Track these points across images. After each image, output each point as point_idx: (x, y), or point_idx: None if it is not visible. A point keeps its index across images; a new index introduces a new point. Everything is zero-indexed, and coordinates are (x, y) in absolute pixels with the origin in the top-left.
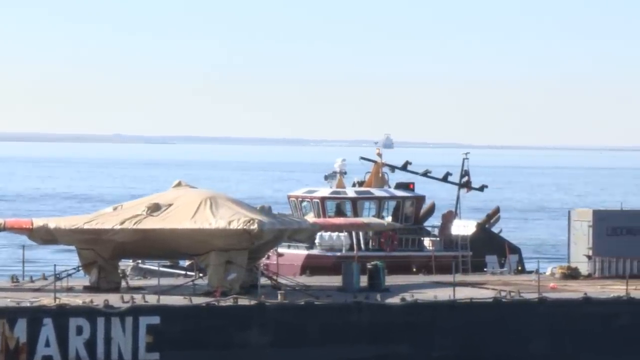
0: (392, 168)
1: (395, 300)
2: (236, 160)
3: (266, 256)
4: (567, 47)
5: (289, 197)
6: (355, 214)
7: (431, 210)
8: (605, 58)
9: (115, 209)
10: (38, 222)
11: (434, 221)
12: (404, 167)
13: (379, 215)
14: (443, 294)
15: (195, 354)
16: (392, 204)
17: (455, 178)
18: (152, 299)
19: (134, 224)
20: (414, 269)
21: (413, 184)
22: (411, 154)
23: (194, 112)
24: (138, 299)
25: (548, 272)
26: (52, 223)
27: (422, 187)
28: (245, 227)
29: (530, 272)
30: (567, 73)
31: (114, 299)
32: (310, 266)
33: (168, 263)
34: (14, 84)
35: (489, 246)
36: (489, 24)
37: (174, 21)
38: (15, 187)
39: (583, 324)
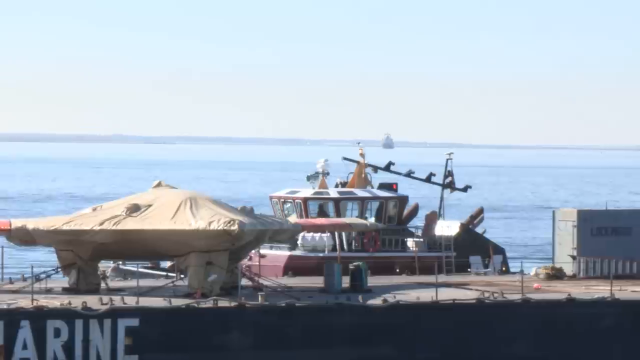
0: (375, 168)
1: (377, 301)
2: (236, 160)
3: (248, 257)
4: (568, 47)
5: (271, 197)
6: (338, 214)
7: (415, 210)
8: (605, 58)
9: (94, 209)
10: (16, 223)
11: (417, 222)
12: (387, 168)
13: (362, 216)
14: (426, 295)
15: (175, 357)
16: (375, 204)
17: (438, 178)
18: (131, 301)
19: (113, 224)
20: (397, 270)
21: (396, 184)
22: (411, 154)
23: (193, 112)
24: (117, 300)
25: (532, 273)
26: (31, 224)
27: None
28: (225, 227)
29: (514, 273)
30: (567, 73)
31: (93, 301)
32: (293, 267)
33: (149, 264)
34: (13, 83)
35: (472, 247)
36: (489, 24)
37: (175, 21)
38: (15, 187)
39: (567, 325)
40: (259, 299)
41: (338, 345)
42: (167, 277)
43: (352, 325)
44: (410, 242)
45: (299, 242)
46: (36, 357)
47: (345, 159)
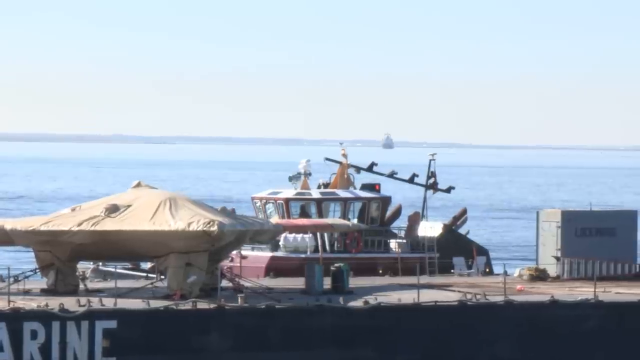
0: (358, 169)
1: (358, 303)
2: (236, 160)
3: (230, 258)
4: (567, 47)
5: (252, 198)
6: (320, 215)
7: (398, 211)
8: (605, 58)
9: (73, 209)
10: None
11: (401, 223)
12: (370, 168)
13: (344, 216)
14: (407, 297)
15: (154, 359)
16: (358, 205)
17: (422, 179)
18: (109, 303)
19: (92, 225)
20: (380, 271)
21: (379, 185)
22: (411, 154)
23: (193, 112)
24: (95, 302)
25: (516, 274)
26: (9, 224)
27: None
28: (205, 228)
29: (498, 274)
30: (567, 73)
31: (70, 303)
32: (275, 268)
33: (129, 265)
34: (13, 83)
35: (456, 248)
36: (489, 24)
37: (174, 21)
38: (15, 187)
39: (550, 327)
40: (239, 300)
41: (319, 348)
42: (147, 278)
43: (332, 327)
44: (393, 243)
45: (281, 242)
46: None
47: (327, 159)
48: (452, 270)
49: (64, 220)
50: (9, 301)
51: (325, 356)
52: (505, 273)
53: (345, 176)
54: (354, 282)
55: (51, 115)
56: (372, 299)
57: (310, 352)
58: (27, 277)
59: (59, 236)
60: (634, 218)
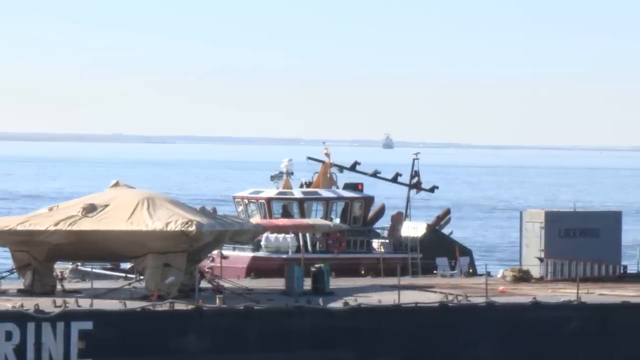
0: (341, 168)
1: (338, 304)
2: (236, 160)
3: (210, 258)
4: (567, 47)
5: (234, 197)
6: (302, 215)
7: (381, 211)
8: (606, 58)
9: (51, 209)
10: None
11: (383, 223)
12: (353, 168)
13: (326, 216)
14: (388, 298)
15: None
16: (341, 205)
17: (405, 179)
18: (85, 303)
19: (69, 225)
20: (362, 272)
21: (362, 184)
22: (410, 154)
23: (194, 111)
24: (71, 303)
25: (499, 275)
26: None
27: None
28: (182, 228)
29: (481, 275)
30: (567, 73)
31: (46, 303)
32: (256, 269)
33: (109, 265)
34: (13, 83)
35: (439, 248)
36: (490, 24)
37: (175, 21)
38: (15, 187)
39: (532, 329)
40: (217, 301)
41: (298, 349)
42: (126, 278)
43: (312, 328)
44: (375, 244)
45: (262, 243)
46: None
47: (310, 158)
48: (434, 271)
49: (40, 220)
50: None
51: (305, 358)
52: (489, 274)
53: (328, 175)
54: (336, 282)
55: (51, 115)
56: (352, 300)
57: (289, 353)
58: (3, 277)
59: (36, 236)
60: (618, 219)
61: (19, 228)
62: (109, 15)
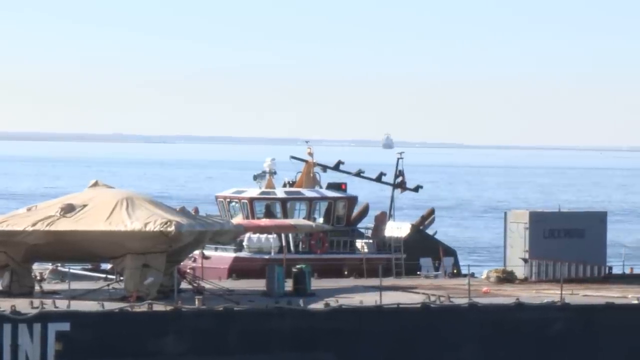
0: (324, 168)
1: (319, 305)
2: (236, 160)
3: (192, 259)
4: (568, 47)
5: (216, 197)
6: (285, 215)
7: (365, 211)
8: (605, 58)
9: (29, 209)
10: None
11: (367, 222)
12: (337, 167)
13: (310, 216)
14: (370, 299)
15: None
16: (324, 204)
17: (389, 178)
18: (62, 304)
19: (47, 225)
20: (346, 272)
21: (345, 184)
22: (411, 154)
23: (194, 111)
24: (48, 304)
25: (483, 276)
26: None
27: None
28: (162, 229)
29: (465, 276)
30: (567, 73)
31: (24, 304)
32: (238, 269)
33: (89, 266)
34: (14, 83)
35: (423, 248)
36: (490, 24)
37: (174, 20)
38: (16, 186)
39: (515, 331)
40: (196, 302)
41: (278, 351)
42: (106, 279)
43: (292, 330)
44: (359, 244)
45: (244, 243)
46: None
47: (293, 157)
48: (418, 272)
49: (18, 220)
50: None
51: (285, 359)
52: (472, 275)
53: (311, 175)
54: (318, 283)
55: (51, 115)
56: (333, 301)
57: (269, 355)
58: None
59: (13, 236)
60: (604, 219)
61: None
62: (109, 15)
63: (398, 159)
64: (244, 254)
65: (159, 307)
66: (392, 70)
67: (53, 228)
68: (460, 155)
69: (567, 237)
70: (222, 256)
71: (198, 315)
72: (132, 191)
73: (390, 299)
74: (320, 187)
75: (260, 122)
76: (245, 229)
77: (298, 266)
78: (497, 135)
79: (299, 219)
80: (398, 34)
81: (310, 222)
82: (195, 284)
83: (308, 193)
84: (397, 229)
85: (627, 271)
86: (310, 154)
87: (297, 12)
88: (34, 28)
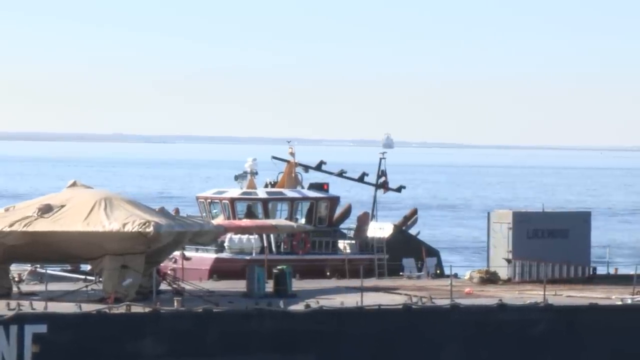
0: (306, 168)
1: (299, 306)
2: (237, 160)
3: (173, 260)
4: (567, 47)
5: (197, 198)
6: (267, 215)
7: (347, 211)
8: (606, 58)
9: (7, 210)
10: None
11: (350, 223)
12: (319, 167)
13: (291, 217)
14: (351, 300)
15: None
16: (306, 205)
17: (372, 178)
18: (40, 306)
19: (24, 226)
20: (328, 273)
21: (327, 184)
22: (412, 153)
23: (194, 111)
24: (25, 305)
25: (467, 276)
26: None
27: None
28: (140, 229)
29: (448, 276)
30: (567, 73)
31: (0, 306)
32: (219, 270)
33: (69, 267)
34: (14, 83)
35: (406, 249)
36: (490, 24)
37: (174, 20)
38: (15, 186)
39: (497, 332)
40: (175, 304)
41: (258, 353)
42: (85, 280)
43: (272, 331)
44: (341, 244)
45: (226, 244)
46: None
47: (274, 158)
48: (401, 273)
49: None
50: None
51: None
52: (455, 275)
53: (293, 175)
54: (299, 284)
55: (51, 115)
56: (314, 303)
57: (249, 357)
58: None
59: None
60: (588, 219)
61: None
62: (109, 15)
63: (380, 159)
64: (225, 254)
65: (137, 308)
66: (392, 70)
67: (30, 229)
68: (460, 155)
69: (551, 238)
70: (203, 257)
71: (177, 317)
72: (110, 191)
73: (372, 300)
74: (302, 188)
75: (260, 122)
76: (226, 229)
77: (279, 267)
78: (497, 135)
79: (280, 220)
80: (398, 34)
81: (291, 223)
82: (175, 285)
83: (290, 193)
84: (380, 229)
85: (612, 271)
86: (292, 154)
87: (297, 12)
88: (34, 28)
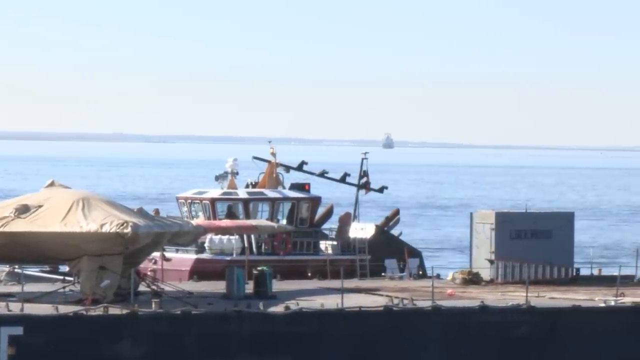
0: (287, 168)
1: (279, 308)
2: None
3: (153, 261)
4: (567, 47)
5: (177, 198)
6: (248, 216)
7: (329, 212)
8: (606, 58)
9: None
10: None
11: (332, 224)
12: (300, 167)
13: (273, 217)
14: (332, 302)
15: None
16: (287, 205)
17: (354, 179)
18: (16, 308)
19: (1, 226)
20: (309, 274)
21: (309, 184)
22: (412, 153)
23: (194, 111)
24: (1, 307)
25: (449, 278)
26: None
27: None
28: (118, 230)
29: (431, 277)
30: (567, 73)
31: None
32: (200, 271)
33: (48, 268)
34: (14, 82)
35: (388, 250)
36: (490, 24)
37: (174, 20)
38: (16, 186)
39: (479, 334)
40: (153, 305)
41: (237, 355)
42: (64, 281)
43: (252, 333)
44: (323, 245)
45: (206, 244)
46: None
47: (255, 158)
48: (383, 274)
49: None
50: None
51: None
52: (438, 276)
53: (274, 175)
54: (281, 285)
55: (51, 115)
56: (293, 304)
57: (228, 359)
58: None
59: None
60: (571, 220)
61: None
62: (110, 15)
63: (362, 159)
64: (205, 255)
65: (114, 310)
66: (392, 70)
67: (7, 229)
68: (460, 155)
69: (534, 238)
70: (183, 258)
71: (155, 319)
72: (88, 191)
73: (353, 301)
74: (284, 188)
75: (260, 121)
76: (205, 230)
77: (259, 268)
78: (497, 135)
79: (261, 220)
80: (398, 34)
81: (272, 223)
82: (154, 287)
83: (271, 194)
84: (362, 229)
85: (595, 272)
86: (273, 154)
87: (297, 12)
88: (34, 28)
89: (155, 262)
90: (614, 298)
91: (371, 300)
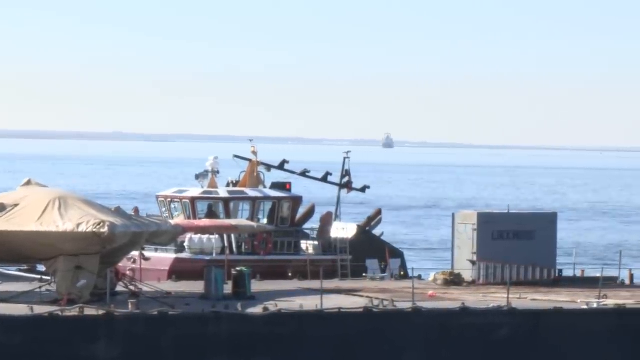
0: (268, 167)
1: (257, 309)
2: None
3: (132, 260)
4: (568, 47)
5: (157, 197)
6: (228, 215)
7: (311, 211)
8: (606, 58)
9: None
10: None
11: (313, 223)
12: (281, 166)
13: (253, 216)
14: (311, 303)
15: None
16: (268, 204)
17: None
18: None
19: None
20: (290, 274)
21: (290, 184)
22: (412, 153)
23: (194, 110)
24: None
25: (431, 279)
26: None
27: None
28: (94, 229)
29: (412, 278)
30: (568, 73)
31: None
32: (179, 271)
33: (25, 267)
34: (14, 82)
35: (369, 250)
36: (491, 24)
37: (174, 20)
38: (14, 185)
39: (460, 336)
40: (130, 306)
41: (214, 357)
42: (41, 280)
43: (229, 335)
44: (304, 245)
45: (185, 244)
46: None
47: (236, 156)
48: (364, 274)
49: None
50: None
51: None
52: (419, 277)
53: (255, 174)
54: (260, 286)
55: (51, 113)
56: (272, 305)
57: None
58: None
59: None
60: (554, 220)
61: None
62: (110, 15)
63: (344, 158)
64: (184, 255)
65: (90, 311)
66: (392, 70)
67: None
68: (460, 155)
69: (517, 239)
70: (162, 257)
71: (131, 320)
72: (65, 190)
73: (333, 303)
74: (265, 187)
75: (259, 121)
76: (184, 229)
77: (238, 268)
78: (497, 135)
79: (241, 220)
80: (398, 34)
81: (252, 223)
82: (131, 287)
83: (251, 193)
84: (343, 229)
85: (578, 274)
86: (254, 153)
87: (297, 12)
88: (34, 28)
89: (135, 262)
90: (597, 300)
91: (351, 301)
